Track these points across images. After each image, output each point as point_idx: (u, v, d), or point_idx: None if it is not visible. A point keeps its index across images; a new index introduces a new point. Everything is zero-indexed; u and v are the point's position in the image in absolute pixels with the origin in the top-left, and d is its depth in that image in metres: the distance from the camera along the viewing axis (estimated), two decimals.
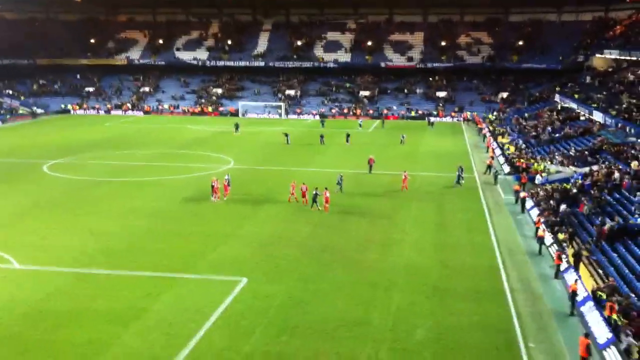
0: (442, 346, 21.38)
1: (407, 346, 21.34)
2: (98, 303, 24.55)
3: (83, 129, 78.06)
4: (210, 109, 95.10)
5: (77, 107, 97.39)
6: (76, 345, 21.08)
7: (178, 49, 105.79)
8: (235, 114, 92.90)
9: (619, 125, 50.15)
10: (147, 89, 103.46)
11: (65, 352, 20.63)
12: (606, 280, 25.22)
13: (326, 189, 39.29)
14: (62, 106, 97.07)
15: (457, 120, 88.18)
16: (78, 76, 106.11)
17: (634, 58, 64.73)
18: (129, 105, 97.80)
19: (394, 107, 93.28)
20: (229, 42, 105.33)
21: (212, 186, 40.92)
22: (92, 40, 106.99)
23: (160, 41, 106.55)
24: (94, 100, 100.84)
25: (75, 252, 30.45)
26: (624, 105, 54.59)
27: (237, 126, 73.73)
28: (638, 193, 34.68)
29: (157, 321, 22.98)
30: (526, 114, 77.19)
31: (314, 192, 38.67)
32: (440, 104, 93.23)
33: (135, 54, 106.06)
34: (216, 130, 75.49)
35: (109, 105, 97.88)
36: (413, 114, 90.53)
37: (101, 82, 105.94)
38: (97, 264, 28.99)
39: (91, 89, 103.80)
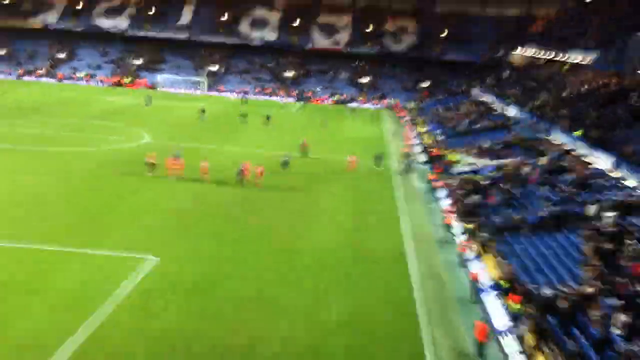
0: (353, 326, 21.68)
1: (321, 325, 21.41)
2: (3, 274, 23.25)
3: None
4: (128, 80, 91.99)
5: None
6: None
7: (98, 15, 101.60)
8: (152, 87, 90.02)
9: (532, 120, 51.73)
10: (62, 55, 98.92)
11: None
12: (507, 270, 25.88)
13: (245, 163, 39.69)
14: None
15: (379, 107, 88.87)
16: None
17: (550, 56, 66.91)
18: (41, 71, 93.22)
19: (318, 90, 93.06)
20: (152, 11, 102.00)
21: (150, 162, 39.63)
22: (6, 1, 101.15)
23: (80, 6, 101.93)
24: (4, 64, 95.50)
25: None
26: (538, 102, 56.36)
27: (149, 99, 71.34)
28: (542, 188, 35.87)
29: (59, 296, 22.00)
30: (444, 106, 78.66)
31: (240, 168, 38.81)
32: (364, 90, 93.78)
33: (52, 18, 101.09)
34: (132, 102, 72.94)
35: (21, 70, 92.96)
36: (337, 98, 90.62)
37: (14, 45, 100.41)
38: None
39: (3, 51, 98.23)
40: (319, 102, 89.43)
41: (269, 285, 24.42)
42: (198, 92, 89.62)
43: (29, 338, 19.08)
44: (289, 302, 23.09)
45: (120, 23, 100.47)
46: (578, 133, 42.11)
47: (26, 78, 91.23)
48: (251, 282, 24.56)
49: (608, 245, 25.09)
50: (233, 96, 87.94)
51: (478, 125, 61.24)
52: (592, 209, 29.08)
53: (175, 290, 23.22)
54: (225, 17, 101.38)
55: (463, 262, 28.33)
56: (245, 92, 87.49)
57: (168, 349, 19.15)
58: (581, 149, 39.54)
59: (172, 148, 45.19)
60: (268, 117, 64.21)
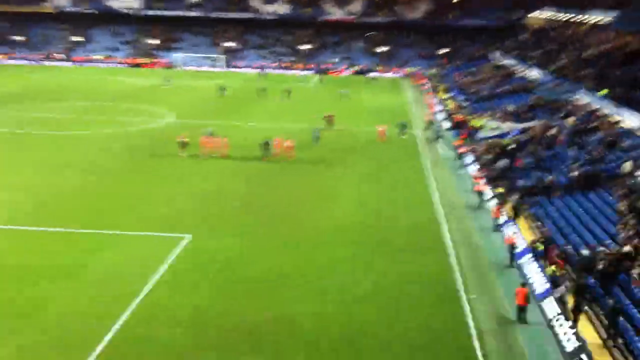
0: (386, 299, 21.50)
1: (351, 299, 21.39)
2: (34, 260, 23.53)
3: (11, 79, 74.36)
4: (145, 60, 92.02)
5: (5, 56, 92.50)
6: (14, 302, 20.17)
7: None
8: (169, 66, 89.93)
9: (555, 82, 51.18)
10: (78, 38, 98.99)
11: (4, 309, 19.71)
12: (542, 233, 25.87)
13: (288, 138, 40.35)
14: None
15: (398, 76, 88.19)
16: (5, 24, 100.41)
17: (569, 15, 65.92)
18: (57, 55, 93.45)
19: (336, 61, 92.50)
20: None
21: (182, 142, 39.77)
22: None
23: None
24: (25, 50, 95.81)
25: (6, 208, 29.10)
26: (559, 63, 55.70)
27: (168, 79, 71.19)
28: (570, 149, 35.65)
29: (97, 278, 22.23)
30: (464, 71, 77.95)
31: (265, 142, 39.11)
32: (381, 60, 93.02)
33: (64, 1, 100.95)
34: (152, 83, 73.03)
35: (38, 55, 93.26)
36: (356, 68, 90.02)
37: (30, 31, 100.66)
38: (29, 221, 27.74)
39: (19, 38, 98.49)
40: (337, 74, 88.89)
41: (300, 261, 24.43)
42: (216, 69, 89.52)
43: (72, 321, 19.42)
44: (319, 277, 23.05)
45: (132, 3, 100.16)
46: (602, 93, 41.66)
47: (45, 62, 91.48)
48: (283, 259, 24.57)
49: None
50: (251, 71, 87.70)
51: (500, 90, 60.68)
52: (627, 166, 28.90)
53: (207, 268, 23.39)
54: None
55: (496, 227, 28.30)
56: (263, 67, 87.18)
57: (202, 325, 19.38)
58: (606, 109, 39.13)
59: (197, 126, 45.39)
60: (288, 92, 63.82)
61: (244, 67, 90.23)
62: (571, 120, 41.02)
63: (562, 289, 20.73)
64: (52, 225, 27.14)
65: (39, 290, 21.06)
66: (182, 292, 21.36)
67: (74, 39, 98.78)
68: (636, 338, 17.68)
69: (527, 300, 20.11)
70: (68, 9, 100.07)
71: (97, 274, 22.56)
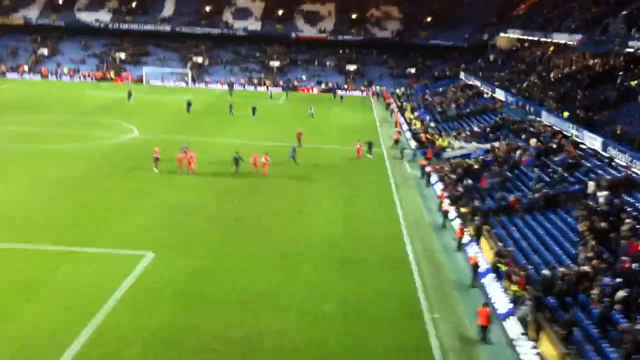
0: (350, 317, 21.60)
1: (316, 318, 21.39)
2: (7, 274, 23.16)
3: None
4: (112, 74, 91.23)
5: None
6: None
7: (79, 9, 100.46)
8: (138, 81, 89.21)
9: (520, 103, 52.00)
10: (45, 51, 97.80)
11: None
12: (505, 253, 26.12)
13: (266, 154, 40.28)
14: None
15: (366, 94, 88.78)
16: None
17: (535, 38, 67.17)
18: (25, 67, 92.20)
19: (304, 78, 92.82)
20: (133, 4, 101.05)
21: (155, 157, 39.32)
22: None
23: (60, 0, 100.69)
24: None
25: None
26: (525, 84, 56.62)
27: (129, 94, 70.42)
28: (535, 169, 36.19)
29: (56, 296, 21.91)
30: (432, 91, 78.81)
31: (235, 156, 39.24)
32: (350, 77, 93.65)
33: (33, 13, 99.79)
34: (119, 96, 72.17)
35: (3, 68, 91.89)
36: (323, 86, 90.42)
37: None
38: (5, 237, 27.24)
39: None
40: (305, 90, 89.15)
41: (265, 279, 24.36)
42: (184, 84, 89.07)
43: (32, 338, 19.03)
44: (284, 294, 23.03)
45: (102, 16, 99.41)
46: (566, 114, 42.42)
47: (10, 75, 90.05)
48: (248, 277, 24.47)
49: (603, 224, 25.42)
50: (220, 87, 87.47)
51: (467, 109, 61.47)
52: (591, 186, 29.45)
53: (169, 287, 23.11)
54: (207, 8, 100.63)
55: (459, 246, 28.55)
56: (231, 83, 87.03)
57: (162, 344, 19.11)
58: (570, 130, 39.84)
59: (164, 141, 45.15)
60: (254, 109, 63.49)
61: (213, 82, 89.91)
62: (534, 141, 41.67)
63: (523, 309, 20.95)
64: (15, 241, 26.68)
65: None
66: (143, 311, 21.11)
67: (42, 51, 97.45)
68: (595, 356, 17.93)
69: (489, 320, 20.29)
70: (37, 22, 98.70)
71: (56, 292, 22.22)
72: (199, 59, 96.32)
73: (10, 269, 23.87)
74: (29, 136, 48.24)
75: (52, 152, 43.73)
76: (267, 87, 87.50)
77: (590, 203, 28.00)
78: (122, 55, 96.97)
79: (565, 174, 33.74)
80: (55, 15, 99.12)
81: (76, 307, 21.00)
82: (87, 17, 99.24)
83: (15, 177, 36.77)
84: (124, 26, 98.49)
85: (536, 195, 31.66)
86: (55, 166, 39.75)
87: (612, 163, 32.94)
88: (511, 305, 21.63)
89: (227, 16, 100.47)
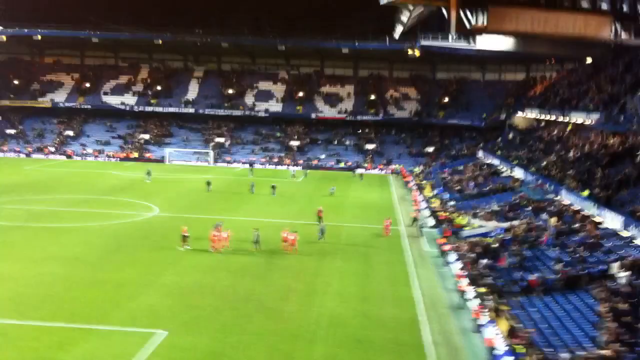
0: None
1: None
2: (5, 354, 22.96)
3: (1, 172, 74.84)
4: (135, 154, 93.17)
5: None
6: None
7: (105, 93, 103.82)
8: (160, 160, 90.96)
9: (539, 181, 51.83)
10: (70, 132, 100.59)
11: None
12: (522, 335, 25.44)
13: (295, 232, 40.46)
14: None
15: (385, 172, 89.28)
16: (0, 118, 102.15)
17: (552, 117, 67.60)
18: (50, 148, 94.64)
19: (322, 157, 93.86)
20: (159, 87, 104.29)
21: (183, 235, 39.66)
22: (16, 82, 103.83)
23: (88, 84, 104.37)
24: (14, 142, 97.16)
25: None
26: (544, 163, 56.61)
27: (149, 173, 71.60)
28: (555, 249, 35.65)
29: None
30: (450, 169, 79.01)
31: (255, 233, 39.62)
32: (369, 156, 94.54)
33: (60, 97, 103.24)
34: (140, 177, 73.29)
35: (29, 148, 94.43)
36: (342, 165, 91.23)
37: (23, 124, 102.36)
38: (5, 313, 27.30)
39: (12, 131, 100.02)
40: (325, 170, 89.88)
41: (277, 358, 24.00)
42: (205, 163, 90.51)
43: None
44: None
45: (127, 100, 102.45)
46: (585, 193, 42.11)
47: (35, 155, 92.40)
48: (259, 357, 24.14)
49: (623, 306, 24.76)
50: (240, 166, 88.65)
51: (485, 188, 61.33)
52: (615, 267, 28.89)
53: None
54: (230, 91, 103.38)
55: (477, 328, 27.86)
56: (252, 162, 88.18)
57: None
58: (590, 209, 39.43)
59: (184, 220, 45.55)
60: (273, 187, 64.14)
61: (234, 162, 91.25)
62: (554, 220, 41.25)
63: None
64: (27, 319, 26.61)
65: None
66: None
67: (68, 132, 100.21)
68: None
69: None
70: (64, 104, 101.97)
71: None
72: (221, 139, 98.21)
73: (20, 347, 23.74)
74: (50, 215, 49.01)
75: (71, 230, 44.25)
76: (287, 165, 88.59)
77: (611, 284, 27.39)
78: (146, 136, 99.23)
79: (585, 254, 33.17)
80: (83, 99, 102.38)
81: None
82: (113, 100, 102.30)
83: (32, 254, 37.08)
84: (149, 108, 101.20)
85: (557, 275, 31.08)
86: (73, 244, 40.07)
87: (632, 242, 32.36)
88: None
89: (249, 98, 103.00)
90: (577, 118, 59.32)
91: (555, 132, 69.80)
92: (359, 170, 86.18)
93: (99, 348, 24.15)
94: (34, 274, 33.23)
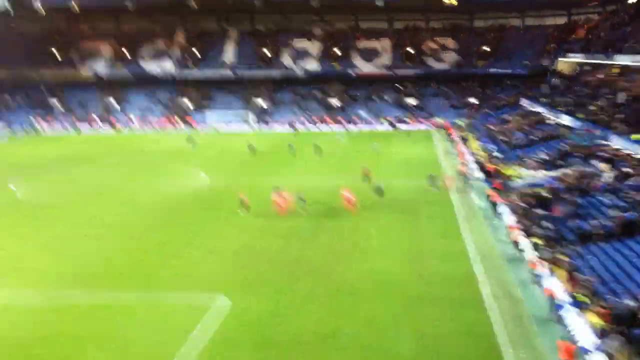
0: (425, 356, 21.28)
1: (389, 357, 21.17)
2: (68, 328, 23.99)
3: (49, 144, 76.68)
4: (179, 120, 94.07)
5: (42, 120, 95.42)
6: None
7: (144, 59, 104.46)
8: (202, 124, 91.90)
9: (587, 128, 50.88)
10: (113, 101, 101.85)
11: None
12: (584, 284, 25.38)
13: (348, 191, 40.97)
14: (26, 120, 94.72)
15: (427, 127, 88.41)
16: (42, 88, 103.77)
17: (597, 61, 65.86)
18: (95, 117, 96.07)
19: (363, 114, 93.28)
20: (196, 51, 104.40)
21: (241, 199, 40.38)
22: (55, 52, 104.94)
23: (125, 52, 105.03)
24: (59, 114, 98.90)
25: (50, 276, 29.65)
26: (591, 108, 55.45)
27: (192, 139, 72.30)
28: (608, 195, 35.16)
29: (132, 343, 22.58)
30: (495, 120, 77.92)
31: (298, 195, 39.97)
32: (411, 111, 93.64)
33: (99, 65, 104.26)
34: (185, 144, 74.12)
35: (74, 119, 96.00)
36: (383, 121, 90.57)
37: (66, 95, 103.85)
38: (72, 287, 28.25)
39: (56, 101, 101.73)
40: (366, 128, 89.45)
41: (337, 319, 24.40)
42: (247, 127, 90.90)
43: None
44: (359, 334, 22.97)
45: (165, 65, 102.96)
46: (637, 136, 41.26)
47: (80, 126, 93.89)
48: (319, 317, 24.58)
49: None
50: (282, 128, 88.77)
51: (532, 137, 60.45)
52: None
53: (241, 329, 23.54)
54: (266, 52, 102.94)
55: (536, 279, 27.86)
56: (293, 123, 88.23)
57: None
58: None
59: (232, 185, 46.21)
60: (319, 147, 64.05)
61: (275, 123, 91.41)
62: (606, 165, 40.59)
63: (610, 343, 20.21)
64: (90, 290, 27.57)
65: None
66: (219, 355, 21.37)
67: (110, 101, 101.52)
68: None
69: (571, 354, 19.66)
70: (104, 73, 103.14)
71: (132, 340, 22.81)
72: (261, 101, 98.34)
73: (84, 319, 24.73)
74: (102, 186, 50.26)
75: (123, 200, 45.32)
76: (329, 124, 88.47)
77: None
78: (188, 102, 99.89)
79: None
80: (121, 66, 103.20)
81: (154, 353, 21.53)
82: (151, 66, 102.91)
83: (92, 225, 38.31)
84: (188, 73, 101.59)
85: (612, 222, 30.74)
86: (126, 213, 41.21)
87: None
88: (594, 339, 20.90)
89: (286, 58, 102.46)
90: (623, 61, 57.72)
91: (601, 76, 68.12)
92: (403, 126, 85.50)
93: (161, 315, 24.99)
94: (92, 244, 34.40)
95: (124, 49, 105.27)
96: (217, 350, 21.69)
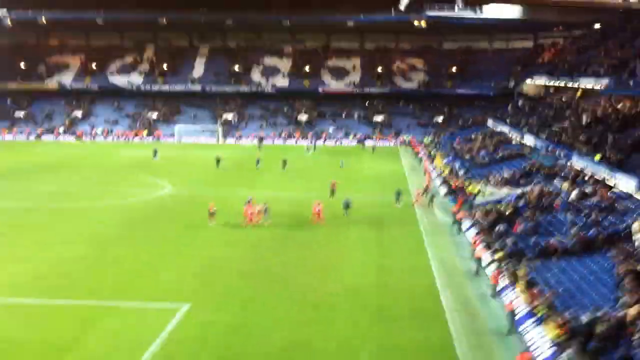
0: None
1: None
2: (29, 334, 23.42)
3: (12, 154, 75.26)
4: (145, 133, 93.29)
5: (6, 131, 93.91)
6: None
7: (112, 73, 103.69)
8: (169, 138, 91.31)
9: (550, 148, 51.73)
10: (79, 113, 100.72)
11: None
12: (542, 298, 25.63)
13: (319, 202, 41.42)
14: None
15: (394, 144, 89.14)
16: (8, 101, 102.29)
17: (562, 84, 67.16)
18: (60, 130, 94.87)
19: (330, 130, 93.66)
20: (165, 66, 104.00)
21: (210, 211, 40.00)
22: (23, 65, 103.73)
23: (94, 65, 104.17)
24: (23, 125, 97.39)
25: (4, 281, 29.08)
26: (554, 129, 56.41)
27: (155, 152, 71.95)
28: (568, 213, 35.72)
29: (93, 352, 22.05)
30: (460, 138, 78.83)
31: (264, 207, 40.04)
32: (378, 128, 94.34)
33: (67, 78, 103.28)
34: (150, 155, 73.41)
35: (39, 130, 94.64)
36: (351, 138, 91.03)
37: (32, 107, 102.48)
38: (28, 292, 27.73)
39: (21, 114, 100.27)
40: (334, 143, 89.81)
41: (299, 331, 24.30)
42: (214, 140, 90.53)
43: None
44: (317, 347, 22.90)
45: (134, 79, 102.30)
46: (598, 157, 42.05)
47: (45, 137, 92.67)
48: (281, 330, 24.42)
49: None
50: (249, 142, 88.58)
51: (496, 156, 61.30)
52: (637, 226, 28.97)
53: (205, 340, 23.24)
54: (236, 68, 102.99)
55: (496, 293, 28.10)
56: (261, 138, 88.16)
57: None
58: (602, 173, 39.41)
59: (196, 196, 45.83)
60: (285, 161, 64.09)
61: (242, 137, 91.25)
62: (566, 184, 41.29)
63: (568, 352, 20.43)
64: (50, 298, 27.08)
65: None
66: None
67: (77, 113, 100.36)
68: None
69: None
70: (71, 86, 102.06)
71: (93, 348, 22.35)
72: (229, 116, 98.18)
73: (43, 326, 24.17)
74: (65, 195, 49.37)
75: (87, 209, 44.66)
76: (297, 140, 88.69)
77: (629, 245, 27.50)
78: (154, 115, 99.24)
79: (599, 218, 33.24)
80: (89, 79, 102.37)
81: None
82: (120, 80, 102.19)
83: (51, 234, 37.57)
84: (155, 87, 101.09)
85: (572, 239, 31.20)
86: (90, 223, 40.53)
87: None
88: (553, 351, 21.09)
89: (256, 75, 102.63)
90: (587, 84, 58.95)
91: (565, 98, 69.46)
92: (369, 142, 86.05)
93: (123, 325, 24.55)
94: (53, 254, 33.61)
95: (92, 63, 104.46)
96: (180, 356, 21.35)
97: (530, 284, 27.21)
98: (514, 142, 64.81)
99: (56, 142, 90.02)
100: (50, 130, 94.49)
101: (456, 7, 78.09)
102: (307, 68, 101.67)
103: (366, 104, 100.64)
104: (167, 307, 26.23)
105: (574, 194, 38.78)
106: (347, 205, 43.22)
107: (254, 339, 23.28)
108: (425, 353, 22.48)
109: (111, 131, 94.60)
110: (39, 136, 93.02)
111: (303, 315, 25.75)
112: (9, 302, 26.57)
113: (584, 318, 22.23)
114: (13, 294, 27.45)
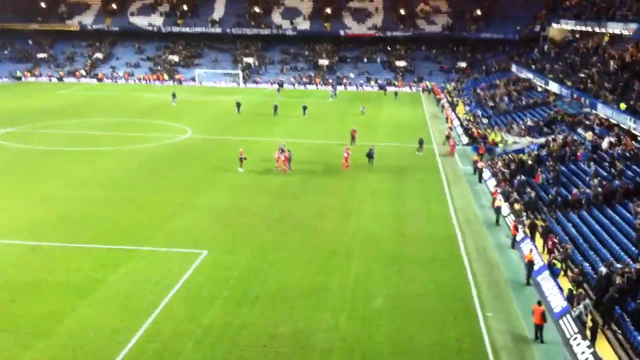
0: (400, 314, 21.62)
1: (366, 314, 21.54)
2: (53, 275, 24.11)
3: (35, 96, 75.67)
4: (166, 76, 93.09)
5: (29, 73, 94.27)
6: (32, 317, 20.74)
7: (132, 14, 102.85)
8: (181, 82, 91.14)
9: (574, 96, 50.85)
10: (100, 55, 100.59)
11: (21, 325, 20.28)
12: (561, 250, 25.70)
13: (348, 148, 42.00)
14: (13, 73, 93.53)
15: (416, 90, 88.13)
16: (30, 42, 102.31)
17: (589, 29, 65.44)
18: (82, 72, 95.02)
19: (352, 75, 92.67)
20: (184, 7, 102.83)
21: (240, 157, 40.30)
22: (43, 4, 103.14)
23: (114, 5, 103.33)
24: (45, 66, 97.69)
25: (29, 223, 29.76)
26: (580, 76, 55.27)
27: (174, 95, 71.88)
28: (591, 164, 35.36)
29: (114, 293, 22.70)
30: (483, 85, 77.67)
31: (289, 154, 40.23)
32: (400, 74, 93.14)
33: (87, 19, 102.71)
34: (171, 100, 73.51)
35: (61, 72, 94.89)
36: (372, 83, 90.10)
37: (53, 48, 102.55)
38: (51, 234, 28.38)
39: (43, 55, 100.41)
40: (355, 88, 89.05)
41: (316, 275, 24.68)
42: (235, 84, 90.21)
43: (87, 337, 19.75)
44: (333, 291, 23.24)
45: (154, 20, 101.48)
46: (623, 106, 41.28)
47: (67, 79, 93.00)
48: (299, 273, 24.82)
49: None
50: (270, 87, 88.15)
51: (519, 103, 60.45)
52: None
53: (222, 284, 23.65)
54: (256, 9, 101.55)
55: (514, 244, 28.19)
56: (281, 82, 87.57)
57: (215, 340, 19.60)
58: (627, 122, 38.78)
59: (217, 141, 45.94)
60: (305, 107, 63.81)
61: (263, 82, 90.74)
62: (590, 134, 40.75)
63: (580, 307, 20.58)
64: (73, 241, 27.70)
65: (55, 306, 21.53)
66: (198, 308, 21.65)
67: (98, 55, 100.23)
68: None
69: (544, 318, 19.96)
70: (92, 27, 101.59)
71: (114, 290, 22.97)
72: (250, 60, 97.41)
73: (67, 268, 24.81)
74: (87, 138, 49.85)
75: (109, 153, 45.11)
76: (317, 85, 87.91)
77: None
78: (175, 58, 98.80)
79: (623, 168, 32.89)
80: (110, 20, 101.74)
81: (133, 305, 21.71)
82: (140, 21, 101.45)
83: (71, 177, 38.19)
84: (176, 29, 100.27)
85: (593, 190, 30.97)
86: (110, 167, 41.03)
87: None
88: (566, 304, 21.26)
89: (276, 16, 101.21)
90: (614, 28, 57.38)
91: (592, 44, 67.77)
92: (391, 89, 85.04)
93: (143, 268, 25.09)
94: (74, 196, 34.27)
95: (112, 3, 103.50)
96: (199, 305, 21.85)
97: (549, 235, 27.23)
98: (538, 89, 63.74)
99: (78, 84, 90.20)
100: (72, 73, 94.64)
101: None
102: (328, 10, 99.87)
103: (388, 48, 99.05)
104: (186, 251, 26.70)
105: (600, 143, 38.29)
106: (370, 155, 43.08)
107: (272, 283, 23.72)
108: (442, 300, 22.67)
109: (132, 74, 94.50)
110: (61, 78, 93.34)
111: (321, 261, 26.09)
112: (32, 244, 27.18)
113: (603, 269, 22.30)
114: (36, 236, 28.08)
